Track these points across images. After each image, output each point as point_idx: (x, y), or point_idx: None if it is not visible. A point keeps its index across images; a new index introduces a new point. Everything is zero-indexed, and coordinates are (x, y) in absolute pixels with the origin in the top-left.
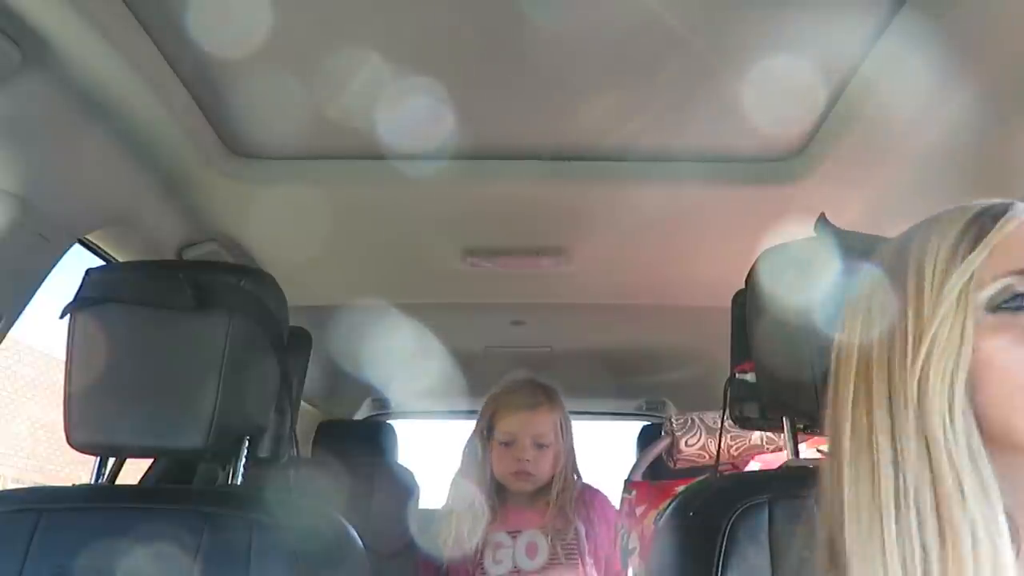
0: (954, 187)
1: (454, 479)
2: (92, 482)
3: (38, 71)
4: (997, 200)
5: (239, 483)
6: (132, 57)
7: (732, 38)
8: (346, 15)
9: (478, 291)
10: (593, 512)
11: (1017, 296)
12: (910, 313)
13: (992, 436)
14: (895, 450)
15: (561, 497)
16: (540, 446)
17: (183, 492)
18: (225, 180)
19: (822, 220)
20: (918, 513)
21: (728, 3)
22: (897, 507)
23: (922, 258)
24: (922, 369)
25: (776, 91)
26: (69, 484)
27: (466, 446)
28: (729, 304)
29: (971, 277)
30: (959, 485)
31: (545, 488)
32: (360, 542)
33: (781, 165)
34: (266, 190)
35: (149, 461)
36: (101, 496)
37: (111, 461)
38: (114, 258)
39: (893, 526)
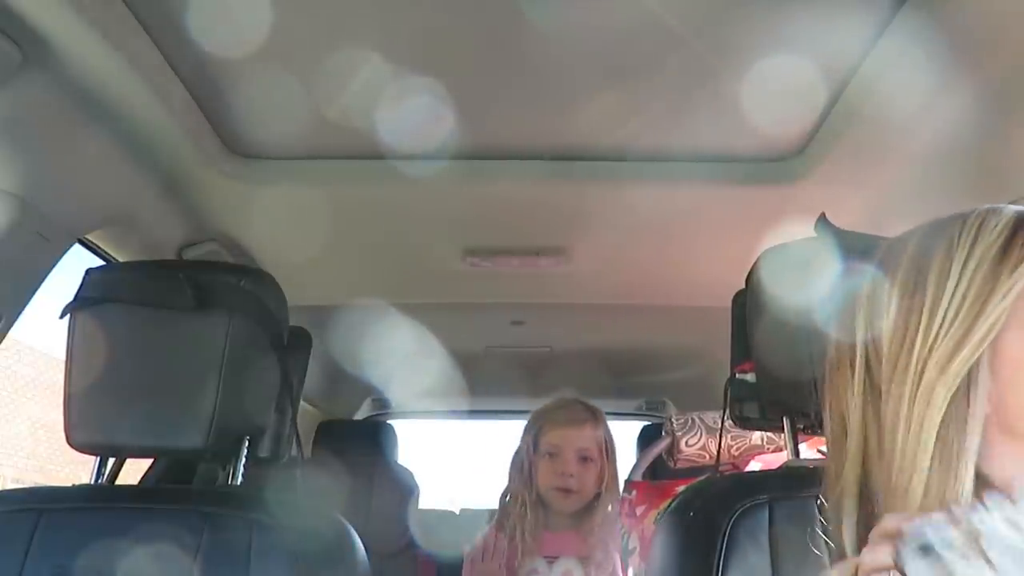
0: (954, 187)
1: (504, 491)
2: (92, 482)
3: (38, 71)
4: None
5: (239, 483)
6: (132, 57)
7: (732, 38)
8: (346, 15)
9: (478, 291)
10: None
11: None
12: (925, 315)
13: (1009, 427)
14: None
15: (603, 527)
16: (584, 459)
17: (183, 492)
18: (225, 180)
19: (822, 220)
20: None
21: (728, 3)
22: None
23: (947, 266)
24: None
25: (776, 91)
26: (69, 484)
27: (512, 462)
28: (729, 304)
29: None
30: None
31: (588, 510)
32: (360, 542)
33: (781, 165)
34: (266, 190)
35: (149, 461)
36: (101, 496)
37: (111, 461)
38: (114, 258)
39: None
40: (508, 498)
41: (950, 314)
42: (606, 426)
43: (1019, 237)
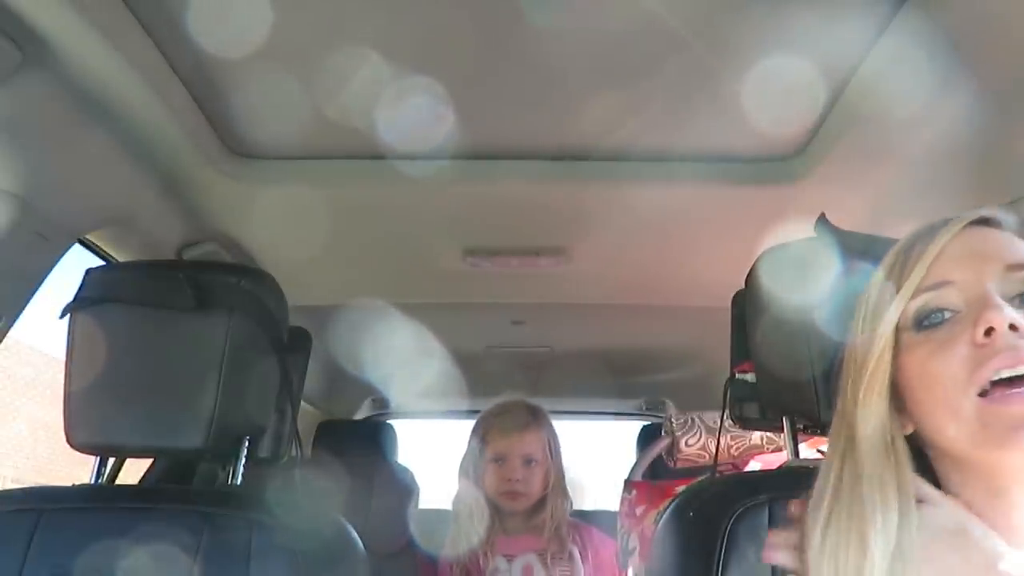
0: (954, 187)
1: (455, 498)
2: (92, 482)
3: (38, 71)
4: (941, 220)
5: (239, 483)
6: (132, 57)
7: (732, 38)
8: (346, 15)
9: (478, 291)
10: (588, 542)
11: (933, 312)
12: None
13: (936, 448)
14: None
15: (555, 519)
16: (529, 463)
17: (183, 492)
18: (225, 180)
19: (822, 220)
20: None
21: (728, 3)
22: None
23: (868, 287)
24: (865, 387)
25: (776, 91)
26: (69, 484)
27: (460, 467)
28: (729, 304)
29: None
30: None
31: (538, 510)
32: (360, 542)
33: (781, 165)
34: (266, 190)
35: (149, 461)
36: (101, 496)
37: (111, 461)
38: (114, 258)
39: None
40: (461, 504)
41: (864, 332)
42: (549, 426)
43: (910, 254)
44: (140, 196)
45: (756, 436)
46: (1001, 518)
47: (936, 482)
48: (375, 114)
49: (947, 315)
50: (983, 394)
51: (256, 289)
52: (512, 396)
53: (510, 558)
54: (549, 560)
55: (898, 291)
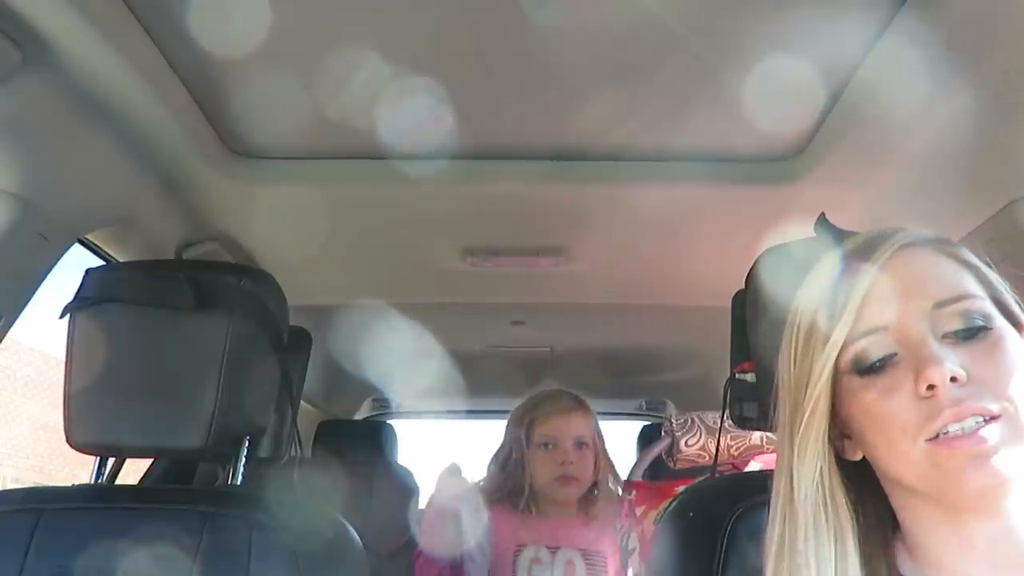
0: (954, 187)
1: (482, 486)
2: (92, 482)
3: (38, 71)
4: (864, 241)
5: (239, 483)
6: (132, 57)
7: (732, 38)
8: (346, 15)
9: (478, 291)
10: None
11: (872, 359)
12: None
13: (890, 482)
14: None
15: (605, 511)
16: (581, 445)
17: (183, 492)
18: (225, 180)
19: (822, 220)
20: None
21: (728, 3)
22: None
23: (794, 322)
24: (801, 433)
25: (776, 91)
26: (69, 484)
27: (494, 459)
28: (729, 304)
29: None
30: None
31: (586, 500)
32: (360, 542)
33: (781, 165)
34: (266, 190)
35: (149, 461)
36: (101, 496)
37: (111, 461)
38: (114, 258)
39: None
40: (494, 489)
41: (797, 370)
42: (594, 415)
43: (837, 293)
44: (140, 196)
45: (756, 436)
46: (960, 549)
47: (890, 508)
48: (375, 114)
49: (886, 359)
50: (931, 438)
51: (256, 289)
52: (550, 386)
53: (554, 550)
54: (599, 563)
55: (829, 335)
